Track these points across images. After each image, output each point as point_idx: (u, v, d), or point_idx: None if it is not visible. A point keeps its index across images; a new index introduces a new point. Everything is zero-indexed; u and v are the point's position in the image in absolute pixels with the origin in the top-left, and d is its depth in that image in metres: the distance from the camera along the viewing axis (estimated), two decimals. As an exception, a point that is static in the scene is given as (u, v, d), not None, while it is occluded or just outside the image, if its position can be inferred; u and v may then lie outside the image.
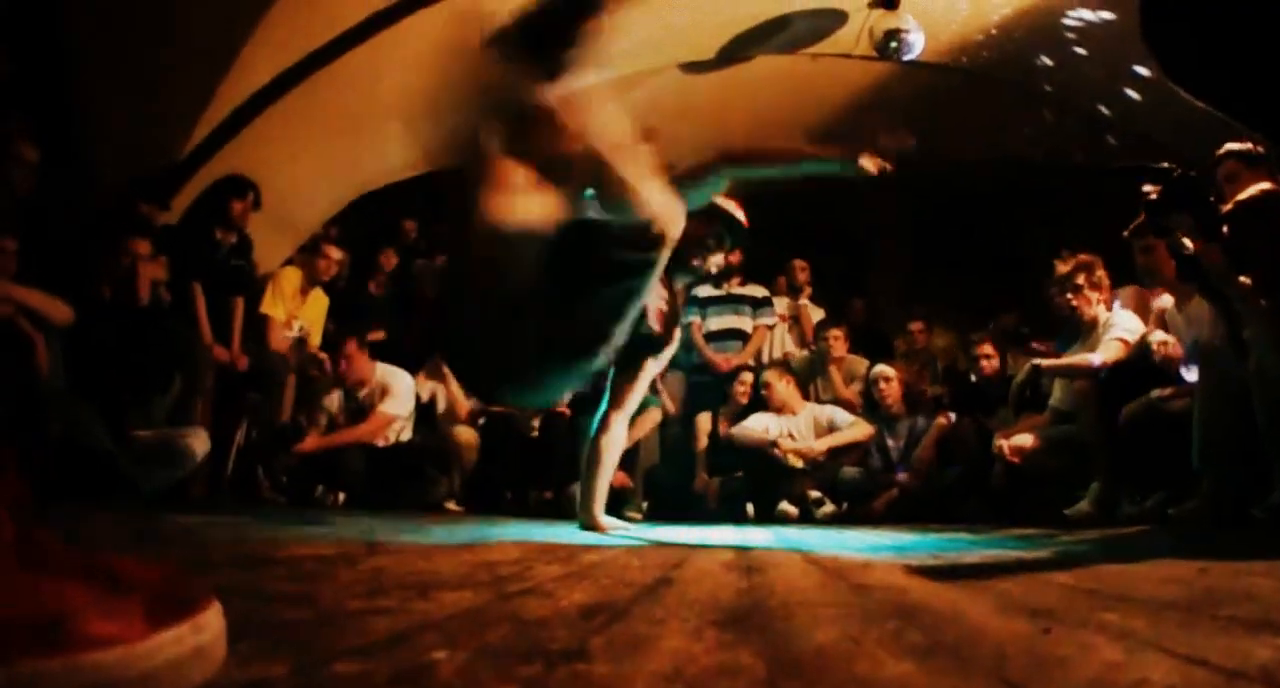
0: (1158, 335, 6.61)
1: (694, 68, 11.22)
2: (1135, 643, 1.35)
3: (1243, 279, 5.12)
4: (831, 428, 9.29)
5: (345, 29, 8.62)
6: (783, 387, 9.49)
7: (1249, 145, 5.97)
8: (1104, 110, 10.76)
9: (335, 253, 9.56)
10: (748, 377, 10.06)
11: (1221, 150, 6.21)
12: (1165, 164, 5.46)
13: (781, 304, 11.21)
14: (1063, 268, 7.55)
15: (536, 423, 9.43)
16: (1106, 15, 9.45)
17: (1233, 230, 5.18)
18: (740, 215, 5.62)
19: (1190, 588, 2.19)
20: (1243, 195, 5.23)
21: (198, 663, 1.01)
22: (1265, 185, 5.28)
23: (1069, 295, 7.49)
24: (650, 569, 2.70)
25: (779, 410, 9.42)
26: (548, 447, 9.13)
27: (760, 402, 9.75)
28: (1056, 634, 1.46)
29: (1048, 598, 2.00)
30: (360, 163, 10.46)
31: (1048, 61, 10.60)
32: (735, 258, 10.28)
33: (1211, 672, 1.13)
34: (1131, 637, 1.41)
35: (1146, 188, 5.56)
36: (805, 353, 10.96)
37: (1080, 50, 10.13)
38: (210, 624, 1.06)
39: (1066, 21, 9.84)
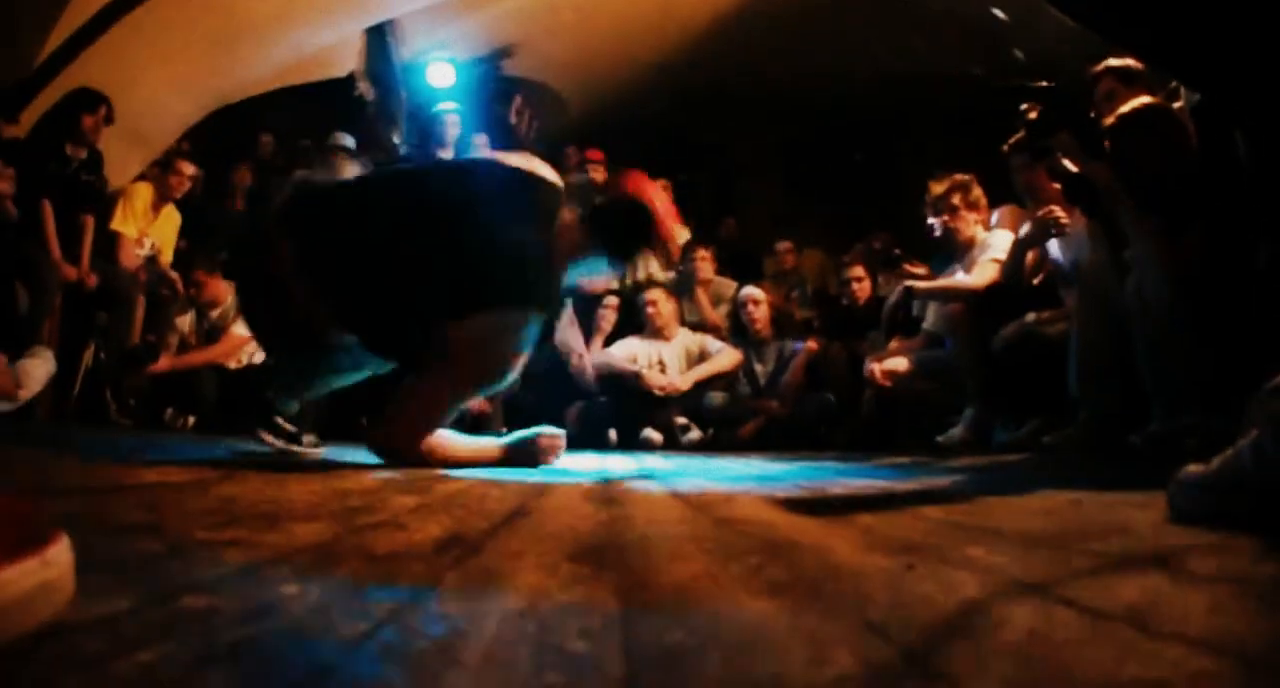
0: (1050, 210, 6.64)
1: (561, -19, 11.18)
2: (999, 580, 1.36)
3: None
4: (703, 357, 9.28)
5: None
6: (668, 308, 9.46)
7: (1127, 62, 6.01)
8: (988, 23, 10.84)
9: (188, 168, 9.46)
10: (614, 301, 10.05)
11: (1099, 67, 6.24)
12: (1044, 82, 5.49)
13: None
14: (937, 188, 7.54)
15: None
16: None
17: (1115, 146, 5.21)
18: None
19: (1061, 521, 2.23)
20: (1124, 109, 5.25)
21: (46, 599, 1.00)
22: (1146, 99, 5.31)
23: (945, 216, 7.51)
24: (507, 500, 2.70)
25: (659, 332, 9.39)
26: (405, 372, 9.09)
27: (626, 323, 9.75)
28: (919, 571, 1.47)
29: (914, 532, 2.03)
30: (216, 76, 10.37)
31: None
32: (600, 177, 10.28)
33: (1076, 612, 1.14)
34: (996, 573, 1.42)
35: (1025, 106, 5.59)
36: (671, 274, 10.91)
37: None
38: (59, 559, 1.05)
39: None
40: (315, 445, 4.82)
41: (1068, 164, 5.53)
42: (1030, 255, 6.83)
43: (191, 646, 0.93)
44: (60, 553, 1.06)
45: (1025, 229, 6.82)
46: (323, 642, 0.97)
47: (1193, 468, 2.06)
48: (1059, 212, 6.37)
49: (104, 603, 1.08)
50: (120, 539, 1.63)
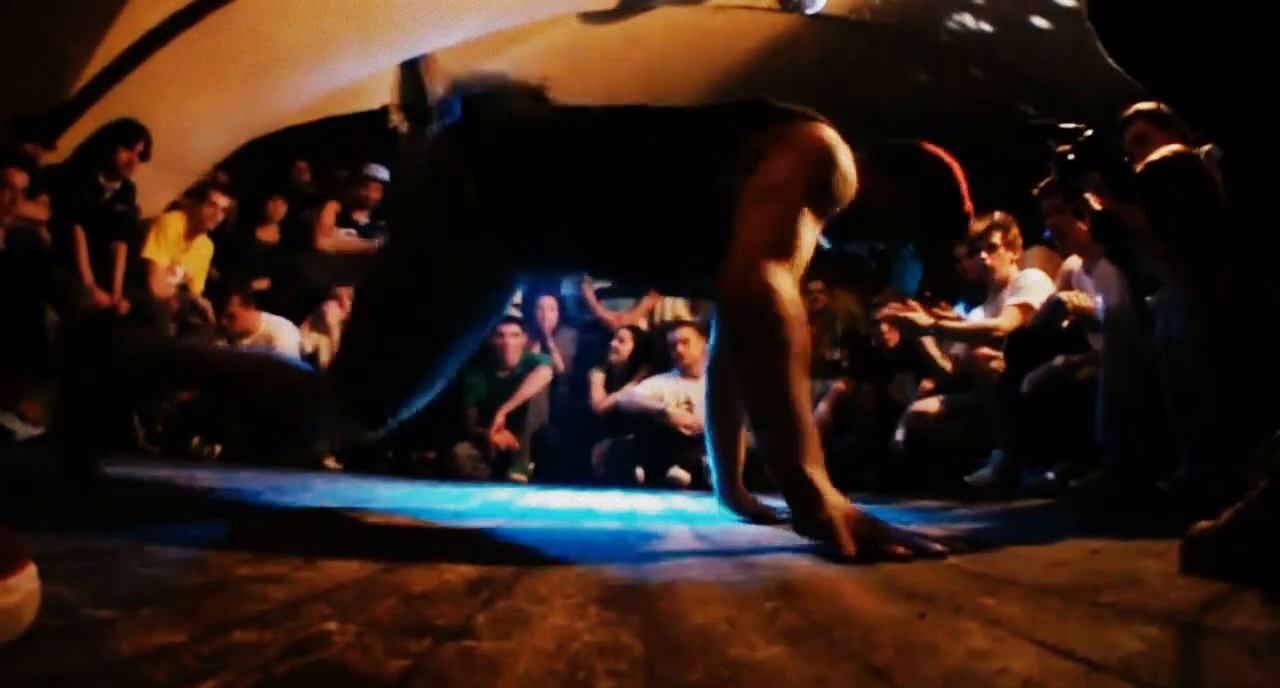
0: (1068, 292, 6.65)
1: (594, 18, 11.27)
2: (1005, 631, 1.41)
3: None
4: (732, 397, 9.29)
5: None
6: (697, 347, 9.51)
7: (1159, 105, 6.03)
8: (1019, 66, 10.93)
9: (222, 200, 9.61)
10: (626, 335, 10.23)
11: (1130, 110, 6.28)
12: (1075, 124, 5.51)
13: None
14: (977, 226, 7.58)
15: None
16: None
17: (1145, 193, 5.24)
18: None
19: (1076, 571, 2.25)
20: (1155, 156, 5.29)
21: (3, 623, 1.07)
22: (1177, 147, 5.35)
23: (983, 254, 7.57)
24: (534, 540, 2.78)
25: (686, 370, 9.47)
26: (431, 405, 9.13)
27: (648, 359, 9.79)
28: (930, 619, 1.53)
29: (930, 580, 2.06)
30: (251, 107, 10.48)
31: (959, 17, 10.76)
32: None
33: (1073, 663, 1.19)
34: (1004, 625, 1.47)
35: (1058, 149, 5.63)
36: (700, 315, 10.93)
37: (996, 7, 10.30)
38: (20, 587, 1.11)
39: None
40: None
41: (1094, 203, 5.58)
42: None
43: (249, 676, 1.01)
44: (24, 582, 1.12)
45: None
46: (369, 676, 1.05)
47: (1205, 523, 2.10)
48: (1080, 300, 6.44)
49: (161, 634, 1.17)
50: (165, 573, 1.71)
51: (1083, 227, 6.04)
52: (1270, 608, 1.66)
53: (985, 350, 7.05)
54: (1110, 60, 2.30)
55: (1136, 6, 2.17)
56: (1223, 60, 2.09)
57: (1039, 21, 10.10)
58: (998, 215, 7.58)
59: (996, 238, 7.50)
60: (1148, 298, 5.40)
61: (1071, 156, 5.52)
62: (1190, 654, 1.30)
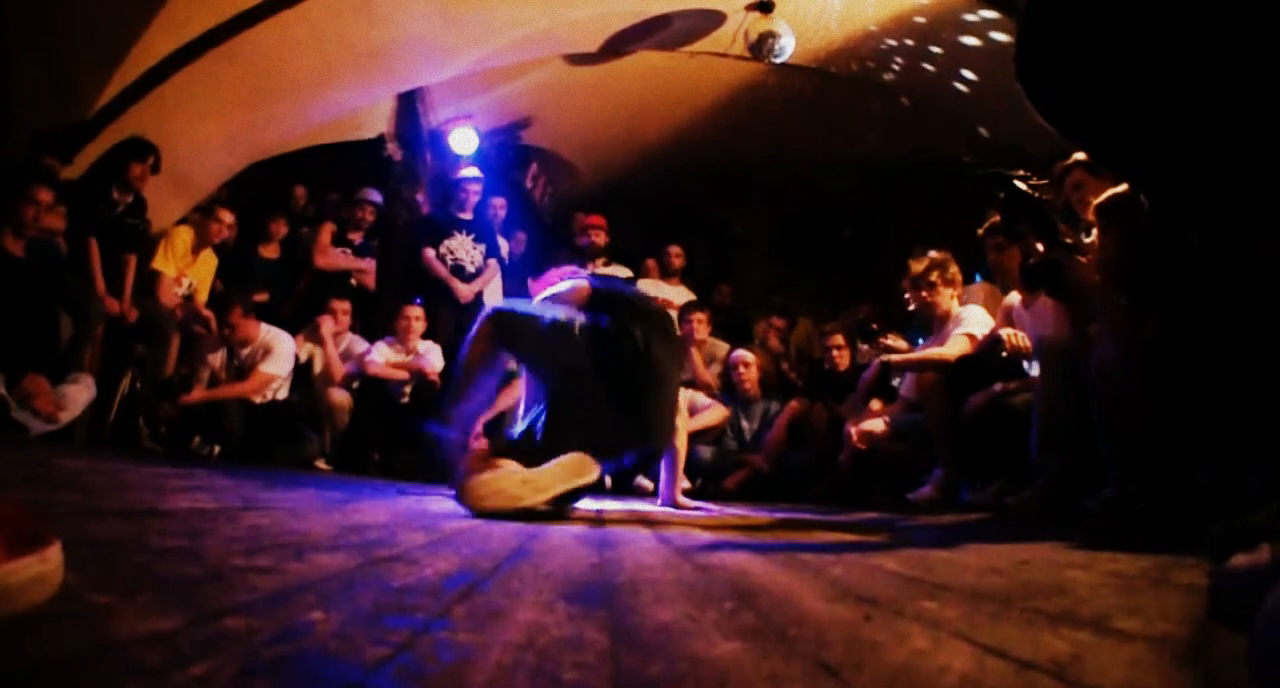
0: (1008, 330, 6.68)
1: (578, 60, 11.37)
2: (945, 633, 1.42)
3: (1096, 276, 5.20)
4: (693, 412, 9.33)
5: (247, 7, 8.68)
6: (665, 368, 9.56)
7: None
8: (968, 115, 11.00)
9: (227, 217, 9.73)
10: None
11: (1069, 160, 6.32)
12: (1020, 172, 5.53)
13: (648, 287, 11.20)
14: (917, 267, 7.63)
15: (408, 390, 9.45)
16: (972, 40, 9.78)
17: (1102, 222, 5.22)
18: None
19: (1010, 579, 2.25)
20: (1114, 190, 5.27)
21: (42, 586, 1.20)
22: (1124, 186, 5.34)
23: (923, 292, 7.59)
24: (508, 540, 2.75)
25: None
26: (417, 413, 9.14)
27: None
28: (876, 621, 1.52)
29: (876, 585, 2.06)
30: (256, 132, 10.54)
31: (914, 71, 10.84)
32: (600, 240, 10.40)
33: (1007, 663, 1.19)
34: (943, 626, 1.47)
35: (1001, 194, 5.63)
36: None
37: (948, 62, 10.37)
38: (53, 557, 1.23)
39: (936, 36, 10.11)
40: None
41: (1038, 246, 5.58)
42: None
43: (236, 661, 1.00)
44: (54, 553, 1.24)
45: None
46: (349, 663, 1.03)
47: (1243, 557, 1.61)
48: (1018, 339, 6.48)
49: (155, 621, 1.16)
50: (163, 562, 1.69)
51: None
52: (1193, 618, 1.65)
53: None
54: (1040, 118, 2.30)
55: (1062, 69, 2.17)
56: (1146, 120, 2.08)
57: (984, 75, 10.20)
58: (935, 255, 7.61)
59: (934, 276, 7.54)
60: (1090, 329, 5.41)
61: (1008, 205, 5.54)
62: (1118, 657, 1.29)
